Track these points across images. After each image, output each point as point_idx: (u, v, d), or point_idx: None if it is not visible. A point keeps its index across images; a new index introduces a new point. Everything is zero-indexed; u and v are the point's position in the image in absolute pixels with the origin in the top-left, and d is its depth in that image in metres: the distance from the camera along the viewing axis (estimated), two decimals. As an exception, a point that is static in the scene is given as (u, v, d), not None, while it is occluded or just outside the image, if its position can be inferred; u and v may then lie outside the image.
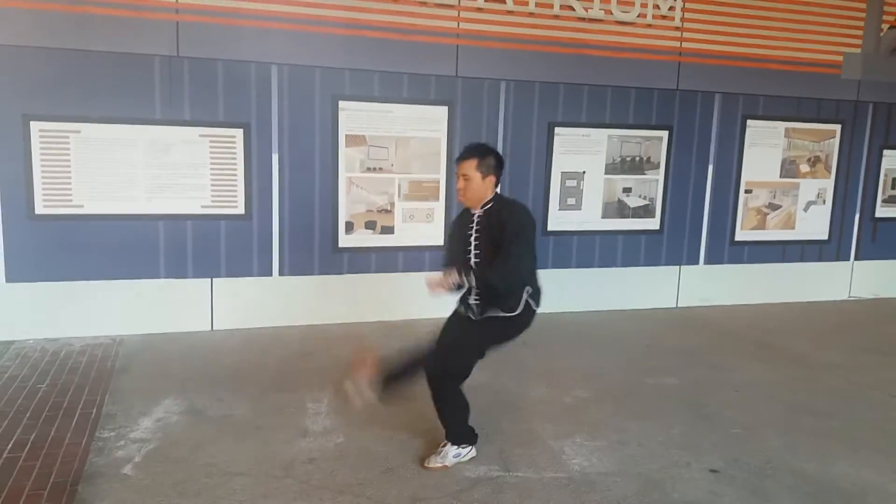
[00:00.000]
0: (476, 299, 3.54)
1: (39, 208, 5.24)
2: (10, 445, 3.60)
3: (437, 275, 3.48)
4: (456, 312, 3.73)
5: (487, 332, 3.57)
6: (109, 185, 5.37)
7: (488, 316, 3.52)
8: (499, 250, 3.39)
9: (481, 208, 3.54)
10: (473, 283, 3.42)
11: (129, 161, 5.38)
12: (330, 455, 3.65)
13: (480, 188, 3.50)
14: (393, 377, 3.57)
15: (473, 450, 3.66)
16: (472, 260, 3.52)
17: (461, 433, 3.64)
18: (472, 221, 3.55)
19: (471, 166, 3.48)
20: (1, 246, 5.21)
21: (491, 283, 3.42)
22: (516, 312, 3.49)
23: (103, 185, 5.36)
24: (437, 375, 3.53)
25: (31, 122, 5.13)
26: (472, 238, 3.52)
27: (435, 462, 3.56)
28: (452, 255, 3.66)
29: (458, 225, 3.70)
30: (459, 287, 3.49)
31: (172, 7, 5.31)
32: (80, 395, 4.30)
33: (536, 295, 3.58)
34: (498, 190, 3.61)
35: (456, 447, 3.61)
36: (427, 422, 3.90)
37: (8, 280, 5.26)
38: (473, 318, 3.58)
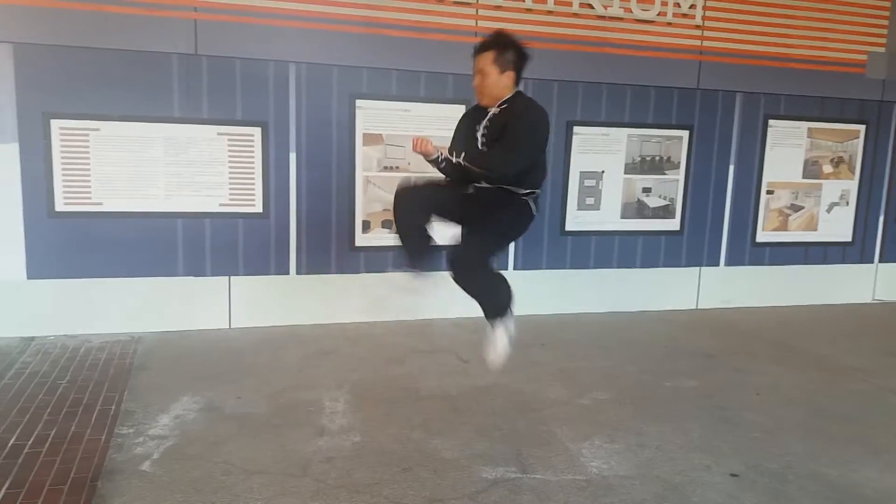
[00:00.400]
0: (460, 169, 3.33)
1: (59, 206, 5.28)
2: (31, 441, 3.63)
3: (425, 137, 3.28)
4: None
5: (500, 211, 3.38)
6: (128, 183, 5.40)
7: (504, 191, 3.29)
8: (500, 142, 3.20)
9: (497, 106, 3.29)
10: (462, 161, 3.21)
11: (147, 159, 5.41)
12: (347, 454, 3.64)
13: (497, 84, 3.24)
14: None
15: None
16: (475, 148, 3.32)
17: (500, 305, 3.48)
18: (484, 118, 3.31)
19: (487, 60, 3.22)
20: (22, 243, 5.26)
21: (481, 166, 3.21)
22: (522, 193, 3.33)
23: (122, 183, 5.40)
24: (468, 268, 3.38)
25: (52, 121, 5.17)
26: (480, 135, 3.28)
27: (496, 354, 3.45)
28: (455, 149, 3.42)
29: (467, 119, 3.45)
30: (444, 163, 3.29)
31: (191, 5, 5.33)
32: (99, 392, 4.33)
33: (537, 201, 3.45)
34: (521, 88, 3.34)
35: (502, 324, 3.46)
36: (444, 422, 3.88)
37: (29, 277, 5.30)
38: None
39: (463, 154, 3.22)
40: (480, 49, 3.27)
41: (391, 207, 3.48)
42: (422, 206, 3.38)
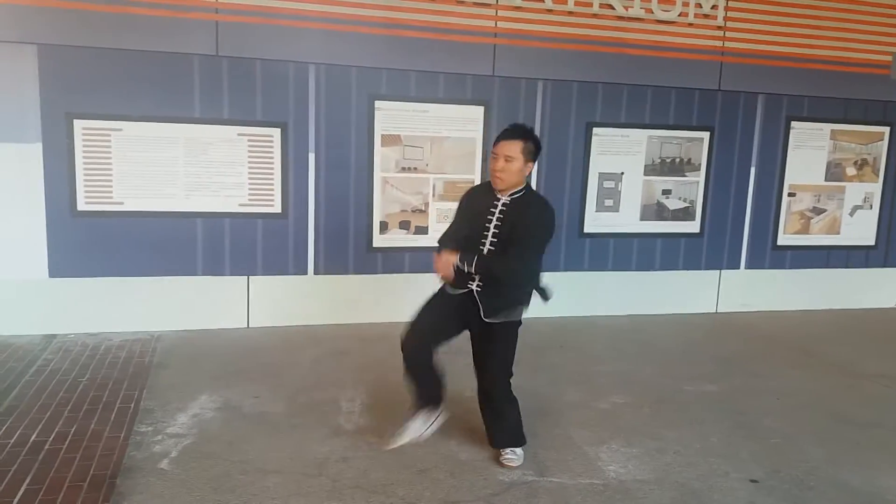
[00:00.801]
0: (479, 287, 3.38)
1: (81, 205, 5.34)
2: (51, 437, 3.67)
3: (449, 256, 3.32)
4: (446, 295, 3.50)
5: (509, 340, 3.53)
6: (149, 183, 5.45)
7: (501, 322, 3.42)
8: (513, 243, 3.27)
9: (509, 196, 3.35)
10: (472, 271, 3.28)
11: (168, 159, 5.46)
12: (363, 454, 3.65)
13: (519, 173, 3.31)
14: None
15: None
16: (487, 248, 3.34)
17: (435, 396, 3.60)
18: (495, 206, 3.35)
19: (516, 148, 3.27)
20: (45, 242, 5.32)
21: (493, 274, 3.30)
22: (521, 316, 3.46)
23: (143, 183, 5.45)
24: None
25: (75, 121, 5.23)
26: (493, 225, 3.33)
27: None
28: (459, 233, 3.46)
29: (475, 202, 3.44)
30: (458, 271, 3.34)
31: (212, 7, 5.37)
32: (118, 390, 4.37)
33: (544, 292, 3.54)
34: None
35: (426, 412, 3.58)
36: (461, 423, 3.87)
37: (51, 275, 5.37)
38: (483, 317, 3.39)
39: (475, 259, 3.29)
40: (510, 136, 3.32)
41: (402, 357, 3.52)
42: (427, 343, 3.48)
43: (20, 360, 4.81)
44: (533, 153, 3.34)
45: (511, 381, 3.62)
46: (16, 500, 3.06)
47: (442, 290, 3.53)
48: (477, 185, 3.69)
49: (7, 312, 5.31)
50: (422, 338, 3.45)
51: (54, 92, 5.17)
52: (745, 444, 3.97)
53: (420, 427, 3.56)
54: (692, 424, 4.20)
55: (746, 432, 4.12)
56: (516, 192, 3.37)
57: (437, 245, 3.52)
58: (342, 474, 3.43)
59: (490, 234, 3.35)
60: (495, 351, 3.52)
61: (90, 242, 5.39)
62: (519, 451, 3.61)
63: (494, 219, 3.35)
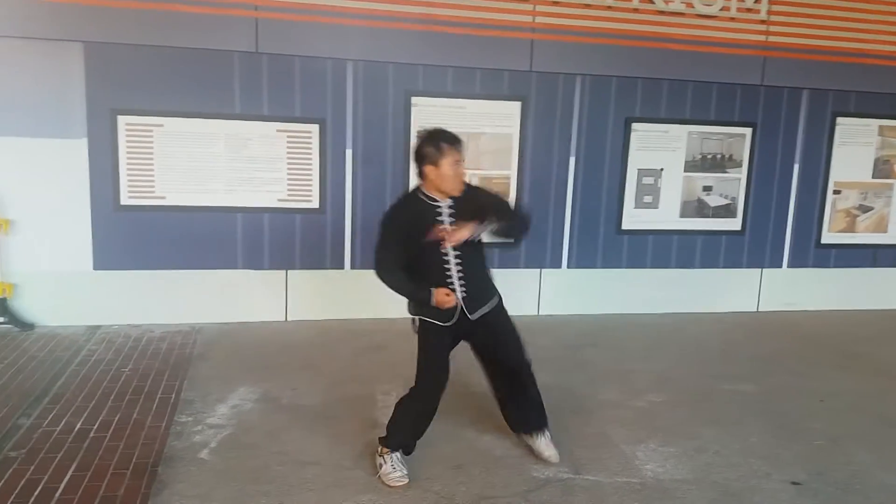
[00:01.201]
0: (463, 289, 3.31)
1: (124, 199, 5.46)
2: (96, 425, 3.77)
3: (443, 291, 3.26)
4: (439, 332, 3.38)
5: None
6: (190, 178, 5.54)
7: (491, 310, 3.44)
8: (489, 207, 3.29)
9: (449, 198, 3.31)
10: (496, 229, 3.25)
11: (209, 155, 5.54)
12: (398, 449, 3.66)
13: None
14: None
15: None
16: (454, 261, 3.28)
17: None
18: (440, 213, 3.27)
19: (464, 151, 3.33)
20: (90, 235, 5.45)
21: (515, 218, 3.43)
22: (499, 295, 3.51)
23: (184, 178, 5.54)
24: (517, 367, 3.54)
25: (118, 117, 5.34)
26: (449, 224, 3.26)
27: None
28: (404, 258, 3.33)
29: (412, 221, 3.28)
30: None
31: (252, 4, 5.43)
32: (160, 380, 4.46)
33: None
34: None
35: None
36: (494, 419, 3.86)
37: (95, 268, 5.50)
38: (469, 316, 3.34)
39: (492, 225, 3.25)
40: (459, 141, 3.30)
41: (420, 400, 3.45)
42: (444, 378, 3.47)
43: (66, 350, 4.94)
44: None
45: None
46: (62, 484, 3.15)
47: (431, 329, 3.39)
48: (397, 205, 3.46)
49: (53, 304, 5.46)
50: (444, 382, 3.46)
51: (99, 88, 5.28)
52: (788, 445, 3.89)
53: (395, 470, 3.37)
54: (732, 424, 4.13)
55: (788, 433, 4.04)
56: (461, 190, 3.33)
57: (378, 274, 3.44)
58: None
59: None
60: (505, 331, 3.53)
61: (133, 236, 5.51)
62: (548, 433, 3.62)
63: (446, 217, 3.27)
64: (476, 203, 3.30)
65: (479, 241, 3.32)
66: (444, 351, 3.45)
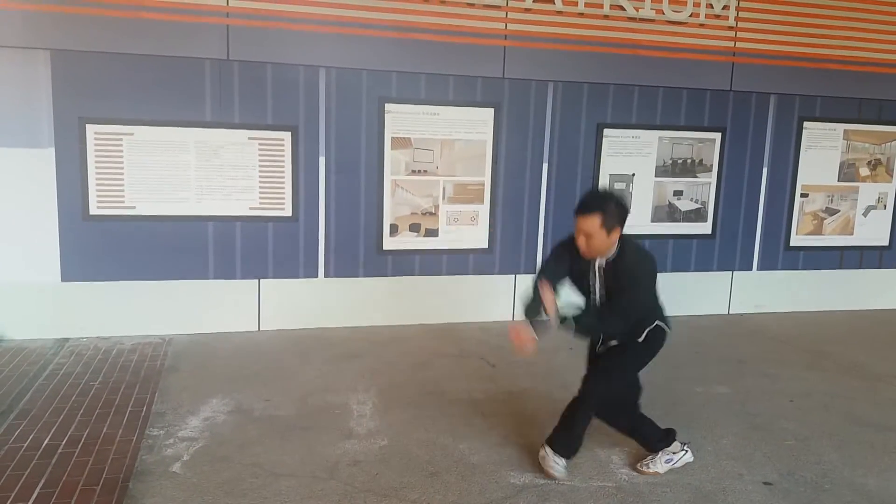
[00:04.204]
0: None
1: (93, 209, 5.37)
2: (64, 441, 3.69)
3: (524, 329, 3.24)
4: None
5: (625, 352, 3.51)
6: (160, 187, 5.47)
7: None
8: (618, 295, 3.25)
9: (604, 259, 3.26)
10: (566, 327, 3.21)
11: (179, 163, 5.48)
12: (374, 458, 3.64)
13: (605, 243, 3.17)
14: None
15: (687, 453, 3.66)
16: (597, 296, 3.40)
17: (657, 439, 3.63)
18: (594, 271, 3.31)
19: (594, 224, 3.10)
20: (57, 245, 5.36)
21: (592, 328, 3.37)
22: (641, 339, 3.45)
23: (155, 187, 5.47)
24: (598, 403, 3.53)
25: (87, 125, 5.26)
26: (597, 287, 3.32)
27: (646, 467, 3.58)
28: (554, 279, 3.35)
29: (573, 259, 3.34)
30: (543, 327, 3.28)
31: (223, 11, 5.39)
32: (130, 393, 4.39)
33: (664, 321, 3.56)
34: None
35: (667, 453, 3.61)
36: (472, 426, 3.86)
37: (63, 279, 5.40)
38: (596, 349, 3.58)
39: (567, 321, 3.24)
40: (584, 210, 3.16)
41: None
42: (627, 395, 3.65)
43: (33, 364, 4.84)
44: (617, 217, 3.16)
45: (621, 385, 3.60)
46: (30, 502, 3.08)
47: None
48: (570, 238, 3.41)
49: (20, 316, 5.35)
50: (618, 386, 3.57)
51: (67, 97, 5.20)
52: (759, 446, 3.94)
53: (664, 465, 3.59)
54: (704, 426, 4.17)
55: (760, 434, 4.09)
56: (609, 256, 3.27)
57: (535, 280, 3.38)
58: (354, 478, 3.43)
59: (597, 295, 3.36)
60: (605, 358, 3.53)
61: (102, 246, 5.42)
62: (562, 461, 3.51)
63: (597, 281, 3.33)
64: (617, 277, 3.28)
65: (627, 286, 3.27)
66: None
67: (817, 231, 7.07)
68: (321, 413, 4.19)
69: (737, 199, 6.79)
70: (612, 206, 3.17)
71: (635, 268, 3.23)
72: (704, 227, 6.74)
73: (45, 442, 3.67)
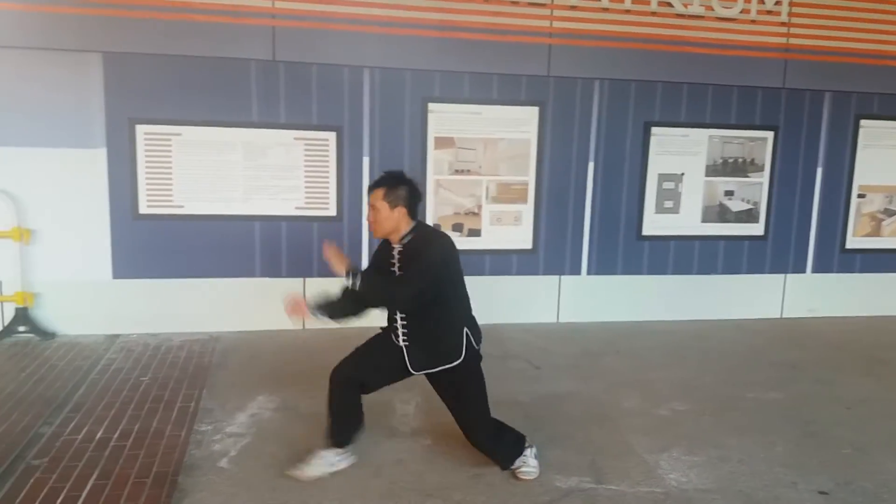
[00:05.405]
0: (405, 339, 3.36)
1: (143, 208, 5.48)
2: (117, 434, 3.77)
3: (295, 294, 3.38)
4: (388, 341, 3.48)
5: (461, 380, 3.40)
6: (208, 187, 5.56)
7: (432, 372, 3.36)
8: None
9: (400, 242, 3.30)
10: (354, 285, 3.23)
11: (227, 163, 5.56)
12: (418, 457, 3.63)
13: (389, 220, 3.25)
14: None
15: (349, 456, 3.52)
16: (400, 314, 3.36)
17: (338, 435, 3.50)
18: (393, 256, 3.33)
19: (378, 196, 3.24)
20: (108, 244, 5.48)
21: (365, 296, 3.29)
22: (461, 360, 3.31)
23: (202, 187, 5.56)
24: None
25: (137, 126, 5.37)
26: (396, 272, 3.31)
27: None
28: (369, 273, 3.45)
29: (380, 255, 3.45)
30: (327, 307, 3.40)
31: (269, 12, 5.45)
32: (179, 389, 4.46)
33: (475, 330, 3.44)
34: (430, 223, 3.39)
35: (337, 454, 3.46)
36: (519, 426, 3.81)
37: (115, 277, 5.52)
38: (411, 370, 3.38)
39: (357, 283, 3.25)
40: (372, 185, 3.31)
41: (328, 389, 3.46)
42: (357, 383, 3.44)
43: (86, 359, 4.96)
44: (403, 198, 3.25)
45: (487, 416, 3.48)
46: (84, 493, 3.15)
47: (385, 334, 3.51)
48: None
49: (73, 313, 5.49)
50: (352, 375, 3.41)
51: (118, 98, 5.32)
52: (814, 454, 3.81)
53: (325, 467, 3.40)
54: (756, 433, 4.05)
55: (815, 442, 3.96)
56: (405, 237, 3.30)
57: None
58: (398, 476, 3.42)
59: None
60: (457, 397, 3.43)
61: (152, 245, 5.53)
62: (532, 461, 3.46)
63: (396, 269, 3.32)
64: (409, 261, 3.26)
65: (437, 300, 3.26)
66: (375, 356, 3.48)
67: (875, 233, 6.82)
68: (365, 411, 4.17)
69: (790, 199, 6.60)
70: (399, 184, 3.28)
71: (422, 246, 3.25)
72: (756, 229, 6.57)
73: (99, 435, 3.75)
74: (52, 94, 5.23)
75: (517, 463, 3.45)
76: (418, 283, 3.20)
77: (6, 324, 5.42)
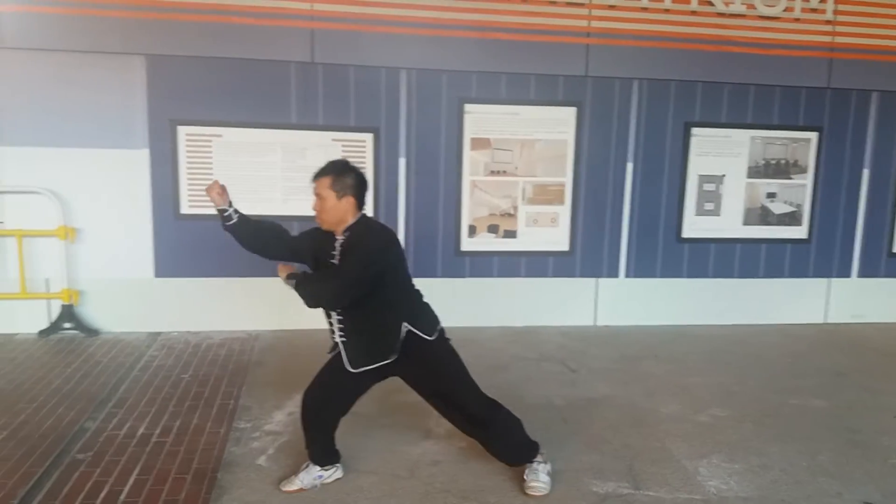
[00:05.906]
0: (341, 335, 3.23)
1: (184, 208, 5.58)
2: (158, 430, 3.84)
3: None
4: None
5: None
6: (248, 187, 5.63)
7: (374, 368, 3.23)
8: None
9: (343, 234, 3.16)
10: (290, 284, 3.16)
11: (266, 164, 5.63)
12: (453, 459, 3.63)
13: (336, 209, 3.11)
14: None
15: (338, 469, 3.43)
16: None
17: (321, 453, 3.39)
18: (335, 248, 3.17)
19: (324, 185, 3.11)
20: (151, 243, 5.59)
21: (303, 299, 3.16)
22: (395, 355, 3.19)
23: (242, 187, 5.61)
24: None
25: (178, 127, 5.47)
26: (337, 262, 3.16)
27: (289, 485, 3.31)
28: (298, 245, 3.41)
29: (318, 241, 3.27)
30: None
31: (308, 15, 5.50)
32: (219, 387, 4.53)
33: (423, 322, 3.32)
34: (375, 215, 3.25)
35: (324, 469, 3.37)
36: (550, 433, 3.78)
37: (157, 275, 5.63)
38: (350, 368, 3.22)
39: (294, 280, 3.18)
40: (318, 173, 3.17)
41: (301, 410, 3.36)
42: (327, 406, 3.36)
43: (129, 356, 5.07)
44: (351, 187, 3.12)
45: (477, 388, 3.38)
46: (127, 488, 3.21)
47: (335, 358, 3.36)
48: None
49: (116, 310, 5.61)
50: (318, 396, 3.34)
51: (160, 100, 5.42)
52: (860, 463, 3.70)
53: (311, 480, 3.31)
54: (799, 441, 3.96)
55: (860, 451, 3.85)
56: (348, 229, 3.16)
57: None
58: (433, 478, 3.42)
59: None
60: (438, 382, 3.35)
61: (193, 244, 5.62)
62: (543, 476, 3.32)
63: (335, 261, 3.17)
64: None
65: (376, 292, 3.15)
66: (337, 377, 3.34)
67: (924, 236, 6.63)
68: (401, 412, 4.20)
69: (835, 201, 6.44)
70: (346, 173, 3.15)
71: (363, 236, 3.11)
72: (800, 232, 6.43)
73: (140, 431, 3.82)
74: (97, 96, 5.36)
75: (527, 473, 3.33)
76: (353, 273, 3.06)
77: (52, 320, 5.56)
